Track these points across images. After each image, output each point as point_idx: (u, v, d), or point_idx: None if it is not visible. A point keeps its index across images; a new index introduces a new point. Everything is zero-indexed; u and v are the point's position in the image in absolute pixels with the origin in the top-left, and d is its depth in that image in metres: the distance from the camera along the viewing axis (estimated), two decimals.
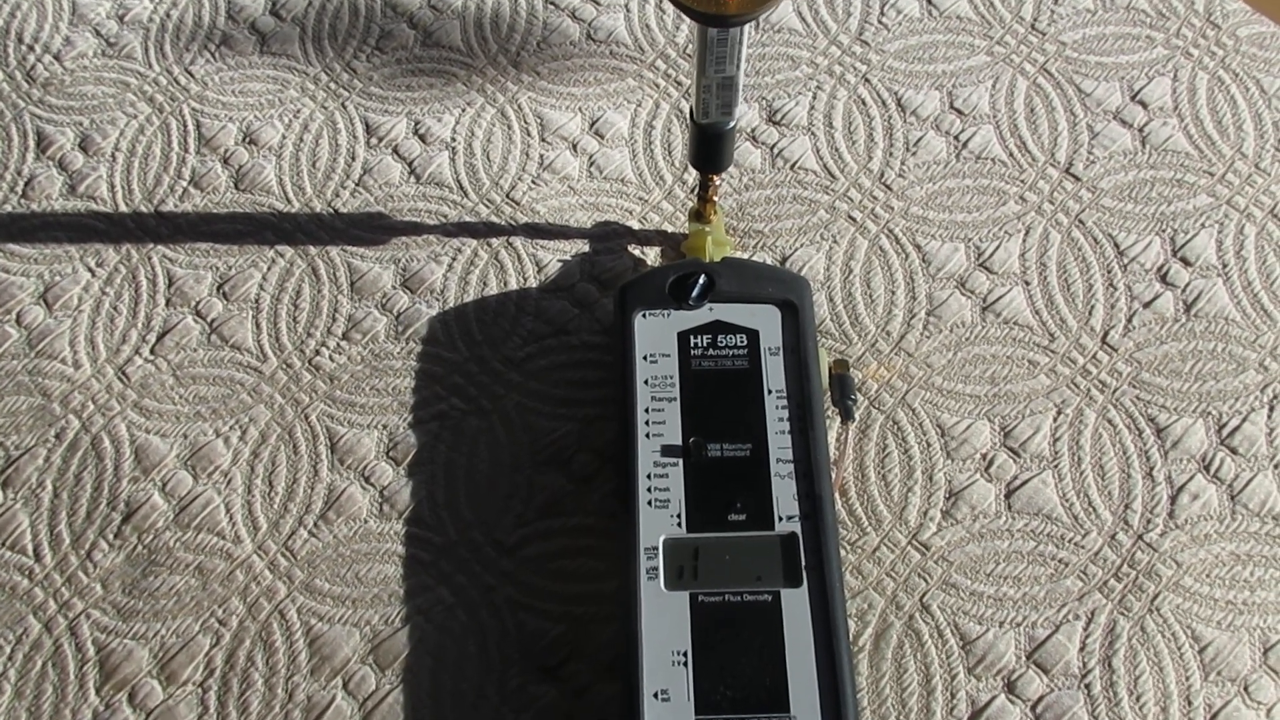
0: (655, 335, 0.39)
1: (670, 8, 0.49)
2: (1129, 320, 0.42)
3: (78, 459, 0.41)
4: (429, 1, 0.50)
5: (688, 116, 0.38)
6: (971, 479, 0.40)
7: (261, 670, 0.37)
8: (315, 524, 0.40)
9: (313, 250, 0.45)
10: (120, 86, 0.49)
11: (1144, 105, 0.46)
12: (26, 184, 0.47)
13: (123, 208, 0.46)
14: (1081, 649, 0.37)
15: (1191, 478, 0.39)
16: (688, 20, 0.41)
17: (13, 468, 0.41)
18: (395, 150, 0.47)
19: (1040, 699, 0.36)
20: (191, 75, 0.49)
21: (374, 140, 0.47)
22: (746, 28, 0.31)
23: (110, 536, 0.40)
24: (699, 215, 0.42)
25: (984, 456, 0.40)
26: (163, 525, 0.40)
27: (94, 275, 0.45)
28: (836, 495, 0.38)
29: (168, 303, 0.44)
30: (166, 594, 0.39)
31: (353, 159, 0.47)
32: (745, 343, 0.39)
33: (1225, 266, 0.43)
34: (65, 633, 0.38)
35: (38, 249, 0.45)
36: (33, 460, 0.41)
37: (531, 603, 0.38)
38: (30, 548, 0.40)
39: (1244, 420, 0.40)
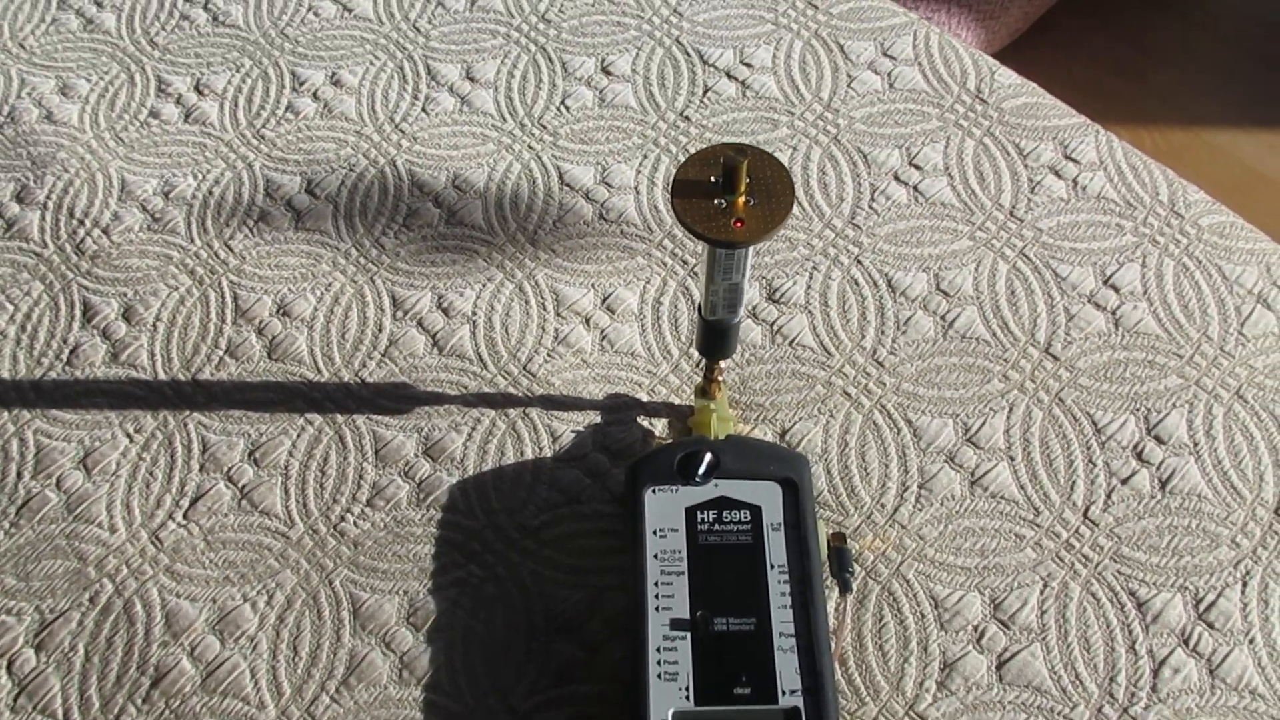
0: (664, 510, 0.42)
1: None
2: (1108, 496, 0.45)
3: (110, 623, 0.43)
4: (453, 182, 0.54)
5: (696, 311, 0.41)
6: (964, 650, 0.42)
7: None
8: (337, 689, 0.41)
9: (340, 418, 0.48)
10: (163, 259, 0.52)
11: (1115, 289, 0.50)
12: (71, 352, 0.50)
13: (161, 375, 0.49)
14: None
15: (1172, 651, 0.42)
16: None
17: (46, 631, 0.43)
18: (419, 323, 0.50)
19: None
20: (230, 249, 0.52)
21: (400, 313, 0.50)
22: (751, 247, 0.35)
23: (139, 701, 0.41)
24: (704, 393, 0.45)
25: (975, 628, 0.42)
26: (190, 690, 0.42)
27: (132, 441, 0.47)
28: (836, 666, 0.40)
29: (201, 468, 0.47)
30: None
31: (379, 330, 0.50)
32: (749, 518, 0.41)
33: (1196, 445, 0.46)
34: None
35: (79, 415, 0.48)
36: (66, 624, 0.43)
37: None
38: (60, 712, 0.41)
39: (1219, 595, 0.43)
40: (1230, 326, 0.49)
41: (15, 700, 0.42)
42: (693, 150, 0.55)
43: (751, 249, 0.36)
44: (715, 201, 0.34)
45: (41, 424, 0.48)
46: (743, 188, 0.33)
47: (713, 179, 0.34)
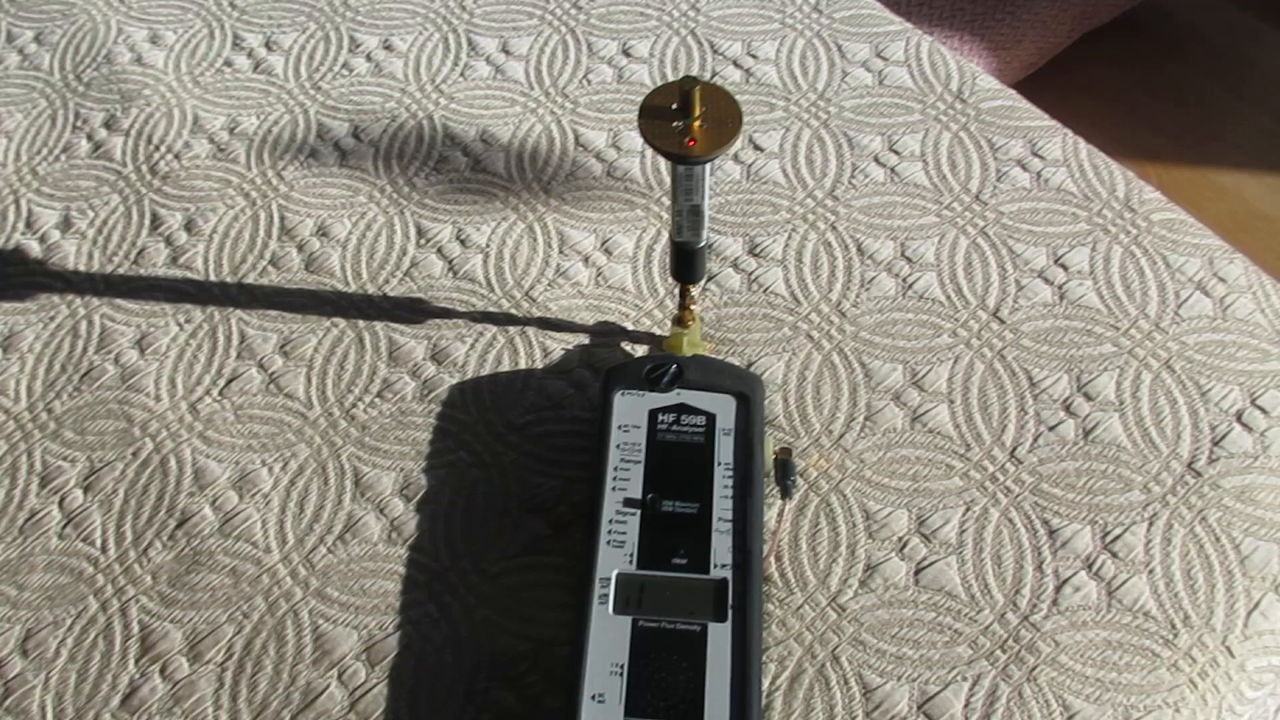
0: (630, 410, 0.47)
1: None
2: (1035, 440, 0.50)
3: (147, 474, 0.50)
4: (481, 136, 0.61)
5: (669, 236, 0.47)
6: (887, 556, 0.47)
7: (272, 658, 0.45)
8: (334, 543, 0.48)
9: (361, 323, 0.54)
10: (223, 183, 0.60)
11: (1064, 268, 0.55)
12: (138, 253, 0.57)
13: (212, 278, 0.56)
14: (965, 706, 0.43)
15: (1075, 573, 0.46)
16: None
17: (94, 476, 0.50)
18: (439, 250, 0.57)
19: None
20: (282, 178, 0.60)
21: (423, 241, 0.57)
22: (707, 167, 0.41)
23: (164, 538, 0.48)
24: (679, 321, 0.51)
25: (900, 539, 0.47)
26: (209, 533, 0.48)
27: (181, 329, 0.54)
28: (771, 558, 0.46)
29: (238, 356, 0.53)
30: (203, 589, 0.47)
31: (404, 254, 0.57)
32: (704, 423, 0.47)
33: (1121, 403, 0.51)
34: (117, 613, 0.46)
35: (139, 304, 0.55)
36: (110, 471, 0.50)
37: (505, 623, 0.45)
38: (99, 541, 0.48)
39: (1125, 530, 0.47)
40: (1168, 307, 0.54)
41: (63, 529, 0.48)
42: None
43: (708, 171, 0.42)
44: (674, 124, 0.40)
45: (108, 310, 0.55)
46: (697, 111, 0.40)
47: (674, 105, 0.40)
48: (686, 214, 0.43)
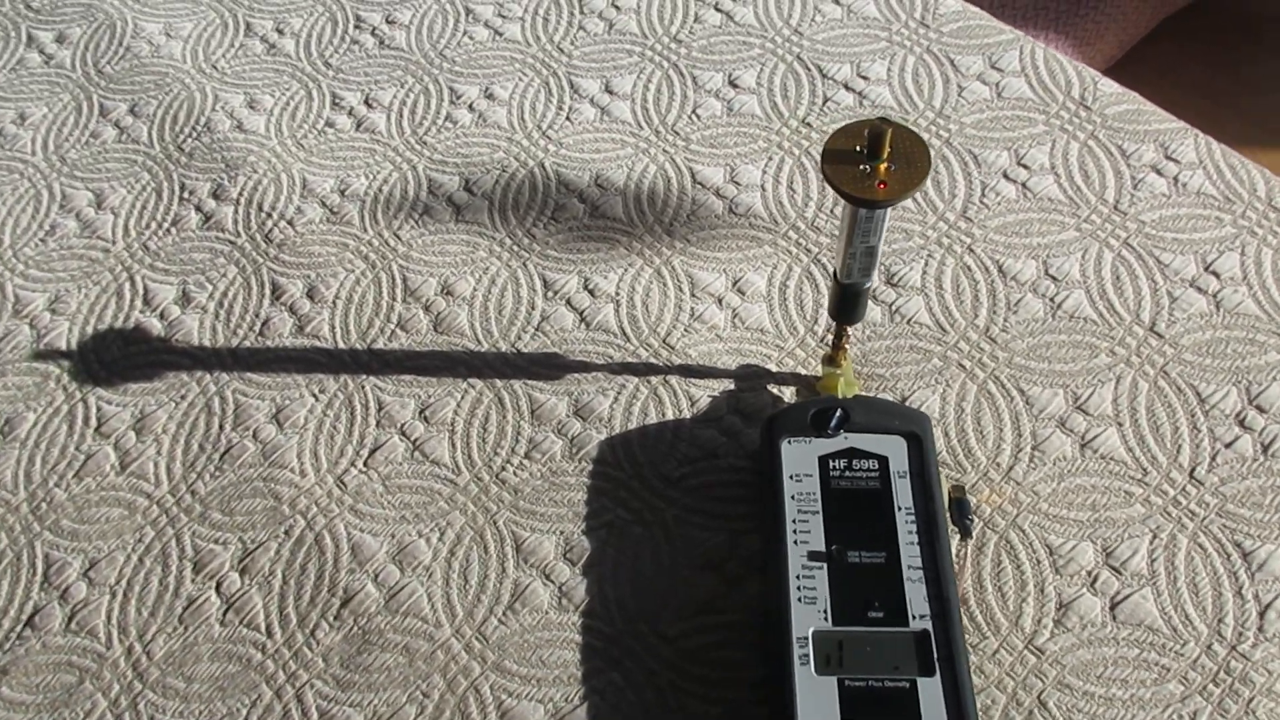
0: (799, 458, 0.46)
1: (799, 188, 0.58)
2: (1213, 459, 0.48)
3: (303, 552, 0.49)
4: (595, 181, 0.60)
5: (831, 276, 0.46)
6: (1079, 592, 0.45)
7: None
8: (504, 613, 0.46)
9: (499, 383, 0.53)
10: (341, 247, 0.59)
11: (1216, 275, 0.53)
12: (263, 324, 0.56)
13: (341, 345, 0.55)
14: None
15: (1277, 597, 0.44)
16: (841, 201, 0.49)
17: (249, 558, 0.49)
18: (568, 302, 0.56)
19: None
20: (399, 238, 0.59)
21: (550, 293, 0.56)
22: (889, 210, 0.40)
23: (330, 619, 0.47)
24: (832, 360, 0.50)
25: (1089, 573, 0.45)
26: (375, 610, 0.47)
27: (317, 400, 0.53)
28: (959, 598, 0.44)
29: (378, 424, 0.52)
30: (378, 669, 0.45)
31: (532, 308, 0.56)
32: (877, 467, 0.46)
33: None
34: (293, 700, 0.45)
35: (270, 377, 0.54)
36: (265, 552, 0.49)
37: (690, 687, 0.44)
38: (263, 626, 0.47)
39: None
40: None
41: (224, 615, 0.48)
42: (815, 153, 0.60)
43: (889, 213, 0.41)
44: (860, 167, 0.39)
45: (239, 385, 0.54)
46: (886, 154, 0.38)
47: (858, 148, 0.39)
48: (860, 255, 0.42)
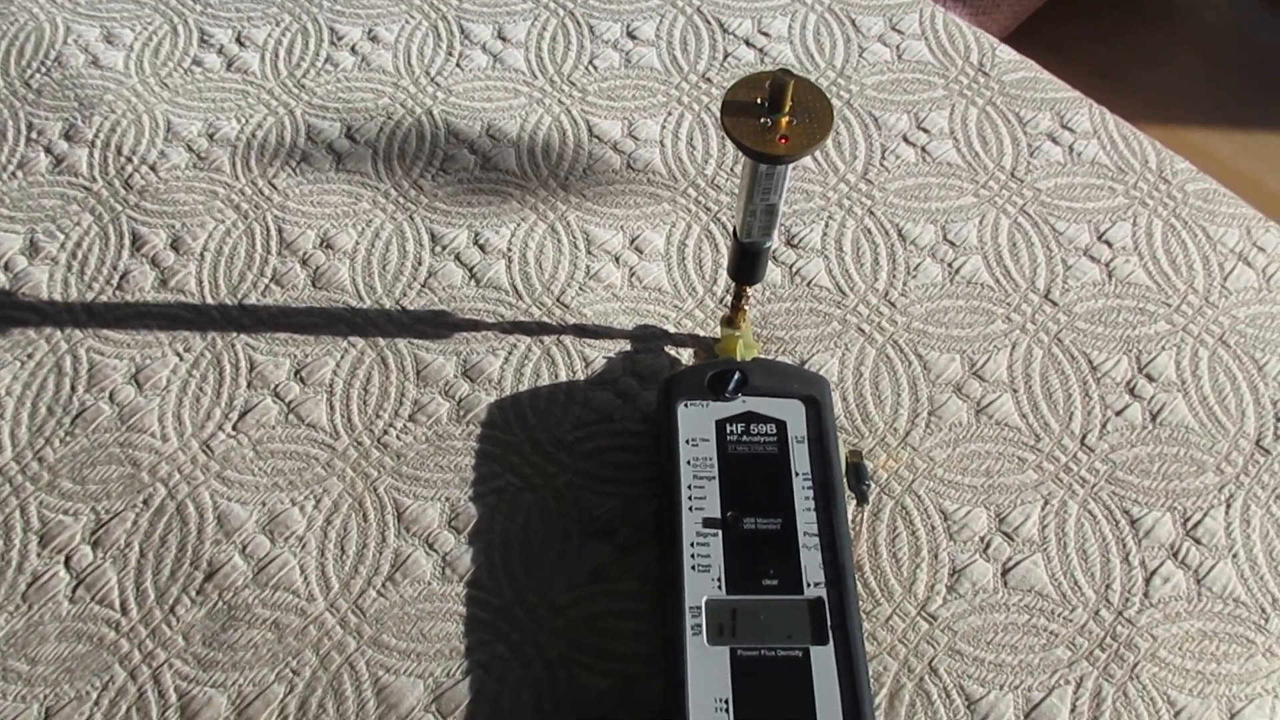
0: (696, 422, 0.44)
1: (699, 145, 0.56)
2: (1103, 426, 0.48)
3: (164, 523, 0.45)
4: (487, 131, 0.57)
5: (731, 235, 0.44)
6: (972, 558, 0.45)
7: (332, 717, 0.41)
8: (383, 585, 0.44)
9: (382, 341, 0.50)
10: (209, 195, 0.55)
11: (1109, 244, 0.54)
12: (121, 278, 0.52)
13: (209, 300, 0.51)
14: (1072, 710, 0.41)
15: (1162, 563, 0.45)
16: (742, 157, 0.47)
17: (103, 529, 0.45)
18: (457, 257, 0.53)
19: None
20: (274, 187, 0.55)
21: (438, 248, 0.53)
22: (789, 166, 0.38)
23: (192, 593, 0.44)
24: (730, 321, 0.48)
25: (982, 539, 0.45)
26: (242, 584, 0.44)
27: (181, 359, 0.50)
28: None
29: (249, 385, 0.49)
30: (244, 646, 0.42)
31: (419, 264, 0.52)
32: (775, 431, 0.44)
33: (1184, 383, 0.50)
34: (149, 680, 0.42)
35: (129, 335, 0.50)
36: (121, 523, 0.45)
37: (582, 658, 0.42)
38: (117, 603, 0.43)
39: (1205, 515, 0.46)
40: (1214, 280, 0.53)
41: (74, 591, 0.44)
42: (715, 109, 0.58)
43: (789, 170, 0.39)
44: (762, 120, 0.37)
45: (93, 342, 0.50)
46: (788, 107, 0.37)
47: (759, 100, 0.37)
48: (761, 213, 0.40)
